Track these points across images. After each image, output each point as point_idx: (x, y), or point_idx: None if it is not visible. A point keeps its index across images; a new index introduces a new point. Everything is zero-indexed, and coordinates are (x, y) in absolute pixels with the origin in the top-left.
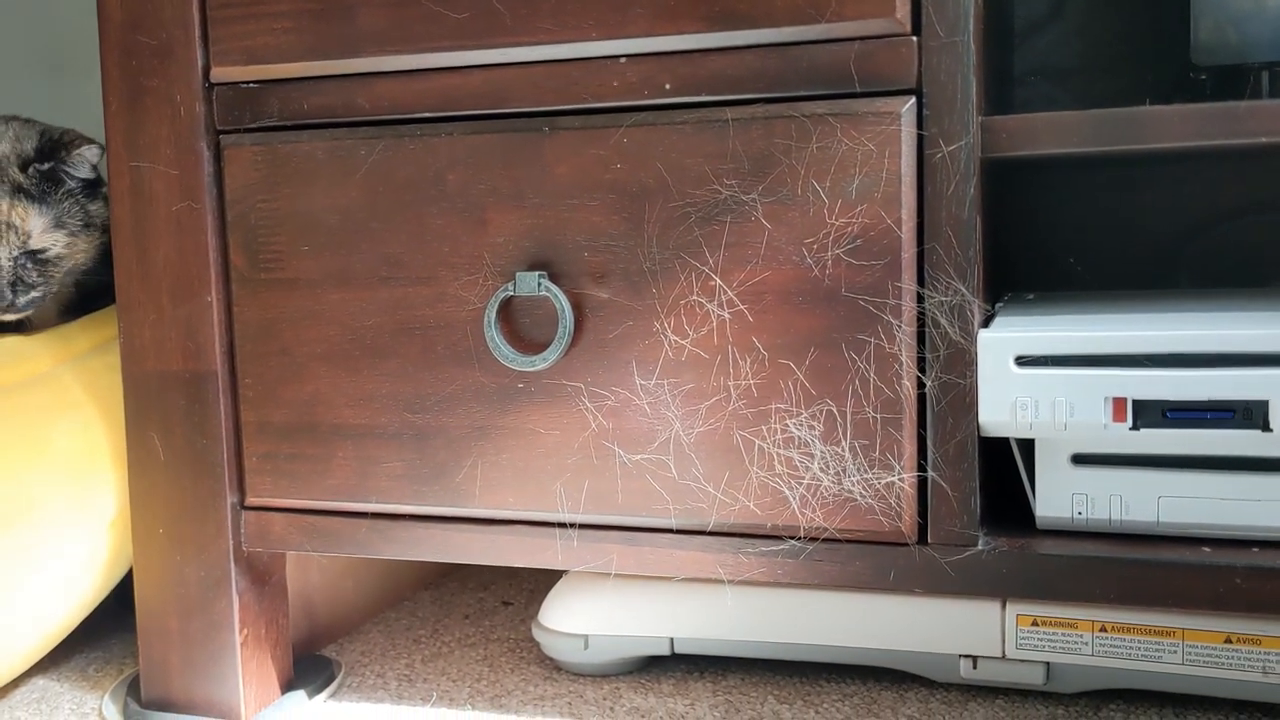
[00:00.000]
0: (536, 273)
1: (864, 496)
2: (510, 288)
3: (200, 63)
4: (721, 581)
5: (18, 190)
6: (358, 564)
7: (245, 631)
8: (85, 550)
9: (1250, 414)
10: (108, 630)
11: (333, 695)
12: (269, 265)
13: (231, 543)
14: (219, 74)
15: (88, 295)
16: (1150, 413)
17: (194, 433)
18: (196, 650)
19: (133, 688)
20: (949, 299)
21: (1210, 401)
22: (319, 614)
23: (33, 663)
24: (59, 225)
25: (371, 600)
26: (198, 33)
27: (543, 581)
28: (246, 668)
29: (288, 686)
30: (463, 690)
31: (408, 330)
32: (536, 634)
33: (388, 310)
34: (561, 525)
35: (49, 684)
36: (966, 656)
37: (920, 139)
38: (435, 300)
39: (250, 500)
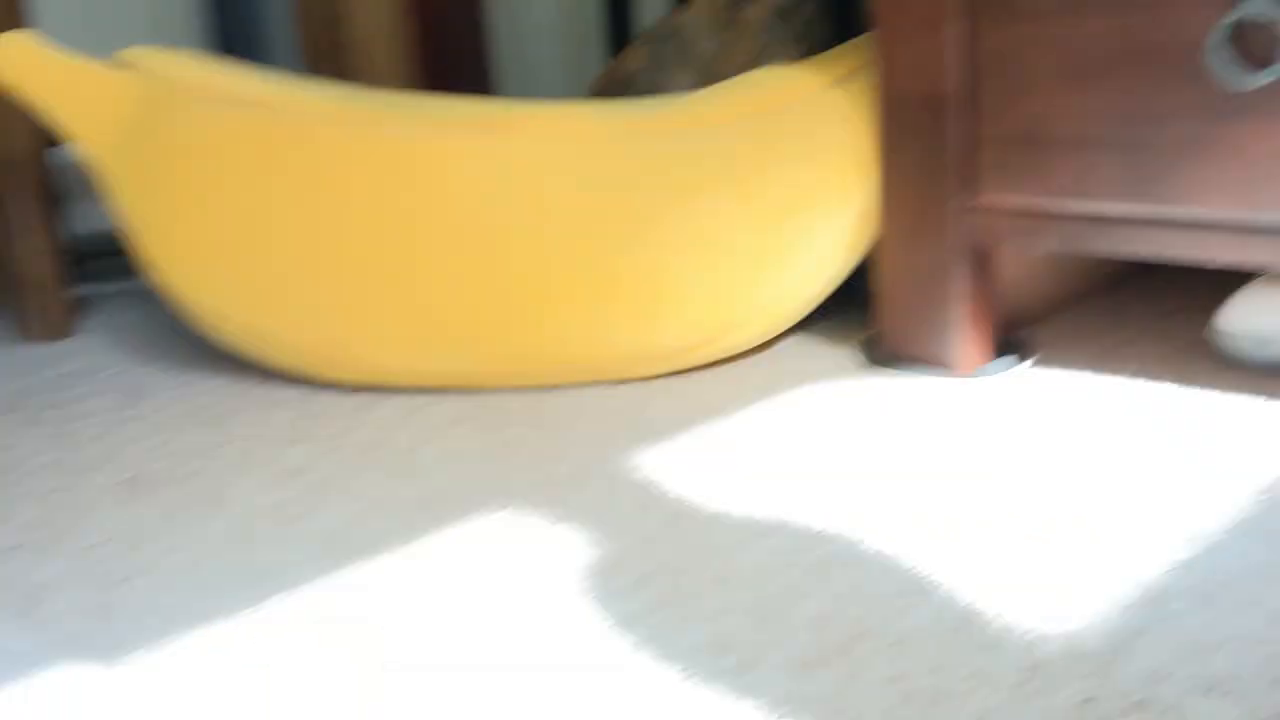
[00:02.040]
0: None
1: None
2: (1241, 9)
3: None
4: None
5: None
6: (1042, 263)
7: (964, 305)
8: (839, 235)
9: None
10: (834, 307)
11: (1034, 365)
12: None
13: (957, 235)
14: None
15: None
16: None
17: (934, 144)
18: (924, 318)
19: (866, 345)
20: None
21: None
22: (1011, 303)
23: (794, 322)
24: None
25: (1051, 298)
26: None
27: (1217, 292)
28: (965, 335)
29: (995, 355)
30: (1153, 368)
31: (1129, 52)
32: (1217, 337)
33: (1112, 36)
34: (1268, 231)
35: (804, 338)
36: None
37: None
38: (1158, 25)
39: (976, 201)
